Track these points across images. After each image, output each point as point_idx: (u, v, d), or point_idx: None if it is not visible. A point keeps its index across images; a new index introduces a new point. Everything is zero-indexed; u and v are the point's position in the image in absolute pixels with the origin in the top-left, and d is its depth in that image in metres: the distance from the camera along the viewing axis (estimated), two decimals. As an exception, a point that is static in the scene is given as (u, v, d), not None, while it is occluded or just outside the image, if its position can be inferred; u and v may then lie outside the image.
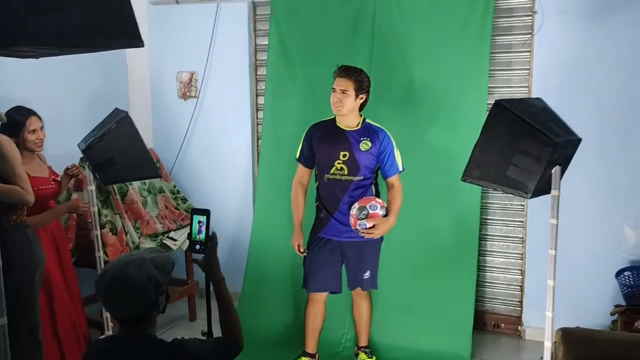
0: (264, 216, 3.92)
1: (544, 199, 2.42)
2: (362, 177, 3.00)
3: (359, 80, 2.94)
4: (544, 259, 2.40)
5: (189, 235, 2.06)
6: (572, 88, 3.40)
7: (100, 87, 4.04)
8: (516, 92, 3.58)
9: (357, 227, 2.90)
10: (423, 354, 3.34)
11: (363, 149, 2.99)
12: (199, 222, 2.02)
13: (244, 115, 4.25)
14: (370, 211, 2.88)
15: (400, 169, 3.05)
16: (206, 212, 2.02)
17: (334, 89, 2.95)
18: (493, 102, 2.35)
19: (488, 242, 3.78)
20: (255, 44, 4.20)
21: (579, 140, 2.41)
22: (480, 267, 3.75)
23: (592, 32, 3.33)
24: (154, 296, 1.68)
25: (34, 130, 2.86)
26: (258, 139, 4.23)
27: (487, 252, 3.79)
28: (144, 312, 1.69)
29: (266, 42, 3.99)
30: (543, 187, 2.40)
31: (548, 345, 2.33)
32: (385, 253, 3.25)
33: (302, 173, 3.18)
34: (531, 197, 2.37)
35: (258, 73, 4.21)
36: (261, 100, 4.13)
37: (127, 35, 1.63)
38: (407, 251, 3.55)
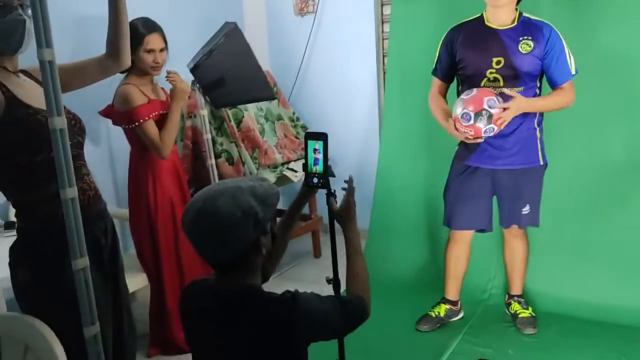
0: (392, 144, 3.42)
1: None
2: (522, 88, 2.38)
3: None
4: None
5: (304, 167, 1.63)
6: None
7: (211, 4, 3.70)
8: None
9: (483, 135, 2.30)
10: (592, 308, 2.74)
11: (524, 52, 2.35)
12: (315, 149, 1.59)
13: (367, 32, 3.73)
14: (492, 111, 2.23)
15: (573, 72, 2.39)
16: (323, 136, 1.57)
17: None
18: None
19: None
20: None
21: None
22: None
23: None
24: (253, 236, 1.27)
25: (151, 51, 2.45)
26: (384, 56, 3.68)
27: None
28: (240, 257, 1.29)
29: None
30: None
31: None
32: (548, 183, 2.64)
33: (439, 89, 2.62)
34: None
35: (383, -18, 3.64)
36: (387, 10, 3.55)
37: None
38: (575, 182, 2.87)
